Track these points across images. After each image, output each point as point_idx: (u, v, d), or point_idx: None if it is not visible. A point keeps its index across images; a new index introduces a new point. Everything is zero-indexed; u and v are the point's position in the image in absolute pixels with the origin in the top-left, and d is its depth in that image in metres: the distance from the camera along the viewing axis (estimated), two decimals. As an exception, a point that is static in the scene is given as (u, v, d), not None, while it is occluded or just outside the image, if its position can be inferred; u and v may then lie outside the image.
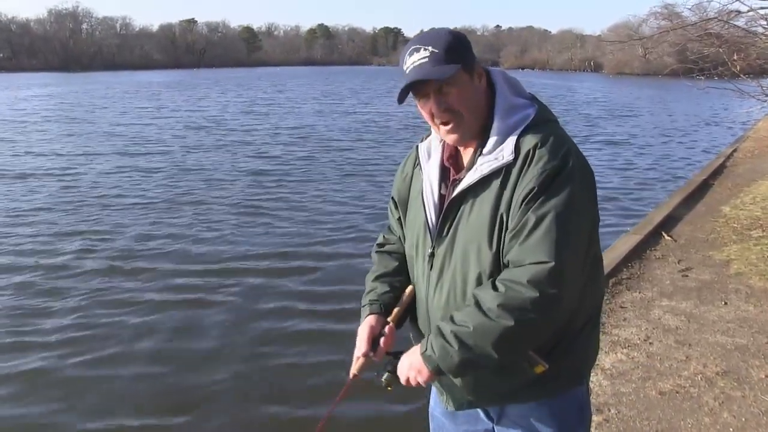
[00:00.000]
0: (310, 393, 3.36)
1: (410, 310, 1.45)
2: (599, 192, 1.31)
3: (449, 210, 1.30)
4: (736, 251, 4.99)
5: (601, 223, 1.30)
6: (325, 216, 7.20)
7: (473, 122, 1.28)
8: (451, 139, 1.31)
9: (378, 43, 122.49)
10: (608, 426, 2.65)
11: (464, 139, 1.30)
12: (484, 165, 1.24)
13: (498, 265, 1.23)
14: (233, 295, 4.80)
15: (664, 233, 5.58)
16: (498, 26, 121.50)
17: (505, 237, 1.21)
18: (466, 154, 1.33)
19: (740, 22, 6.32)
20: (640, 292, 4.20)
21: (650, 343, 3.41)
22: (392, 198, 1.52)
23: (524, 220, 1.17)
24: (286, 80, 45.68)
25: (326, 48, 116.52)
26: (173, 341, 4.06)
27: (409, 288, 1.44)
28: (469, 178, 1.26)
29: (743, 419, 2.65)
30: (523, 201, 1.18)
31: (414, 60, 1.24)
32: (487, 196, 1.24)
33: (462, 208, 1.28)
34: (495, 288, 1.19)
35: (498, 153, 1.24)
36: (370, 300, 1.44)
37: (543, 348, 1.24)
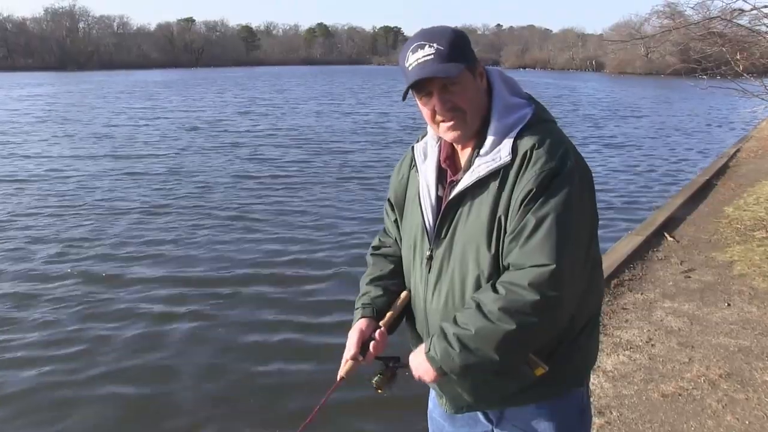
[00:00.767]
0: (302, 407, 3.21)
1: (403, 315, 1.43)
2: (601, 192, 1.30)
3: (447, 212, 1.29)
4: (740, 252, 4.96)
5: (602, 224, 1.28)
6: (321, 222, 6.94)
7: (474, 121, 1.27)
8: (451, 136, 1.29)
9: (377, 42, 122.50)
10: (610, 428, 2.62)
11: (464, 138, 1.29)
12: (482, 166, 1.23)
13: (497, 267, 1.21)
14: (222, 308, 4.55)
15: (666, 234, 5.55)
16: (499, 25, 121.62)
17: (503, 239, 1.20)
18: (463, 154, 1.32)
19: (743, 20, 6.30)
20: (642, 294, 4.17)
21: (652, 345, 3.38)
22: (388, 200, 1.51)
23: (523, 223, 1.16)
24: (285, 80, 45.52)
25: (325, 47, 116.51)
26: (157, 355, 3.85)
27: (404, 293, 1.42)
28: (467, 180, 1.25)
29: (747, 422, 2.63)
30: (521, 203, 1.17)
31: (418, 57, 1.22)
32: (485, 198, 1.23)
33: (460, 210, 1.27)
34: (496, 291, 1.17)
35: (495, 154, 1.22)
36: (362, 303, 1.42)
37: (543, 350, 1.23)
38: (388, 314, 1.39)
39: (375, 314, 1.39)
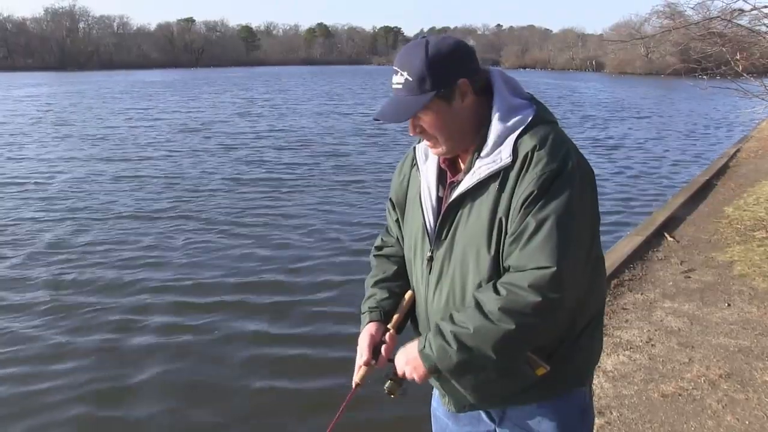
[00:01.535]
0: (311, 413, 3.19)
1: (410, 316, 1.44)
2: (602, 192, 1.29)
3: (447, 213, 1.29)
4: (740, 252, 4.96)
5: (603, 224, 1.28)
6: (318, 227, 6.73)
7: (453, 142, 1.27)
8: (435, 153, 1.32)
9: (378, 42, 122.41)
10: (610, 428, 2.63)
11: (449, 155, 1.31)
12: (482, 168, 1.23)
13: (497, 269, 1.21)
14: (211, 319, 4.37)
15: (666, 234, 5.55)
16: (499, 25, 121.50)
17: (504, 241, 1.20)
18: (464, 156, 1.31)
19: (744, 20, 6.30)
20: (642, 294, 4.17)
21: (652, 345, 3.38)
22: (390, 199, 1.51)
23: (524, 225, 1.16)
24: (285, 80, 45.34)
25: (325, 47, 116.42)
26: (146, 367, 3.70)
27: (409, 293, 1.43)
28: (467, 182, 1.25)
29: (747, 422, 2.63)
30: (522, 205, 1.16)
31: (393, 83, 1.25)
32: (486, 200, 1.22)
33: (460, 211, 1.27)
34: (496, 291, 1.17)
35: (496, 155, 1.22)
36: (369, 307, 1.42)
37: (545, 350, 1.23)
38: (396, 316, 1.39)
39: (383, 317, 1.39)
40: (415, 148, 1.42)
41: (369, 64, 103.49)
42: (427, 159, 1.37)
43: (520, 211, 1.17)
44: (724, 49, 6.39)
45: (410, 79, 1.21)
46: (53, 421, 3.20)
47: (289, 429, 3.18)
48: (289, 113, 20.43)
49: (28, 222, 6.88)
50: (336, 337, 4.09)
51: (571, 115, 20.12)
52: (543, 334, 1.20)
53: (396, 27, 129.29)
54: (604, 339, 3.49)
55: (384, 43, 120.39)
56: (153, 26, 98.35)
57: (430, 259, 1.32)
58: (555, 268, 1.13)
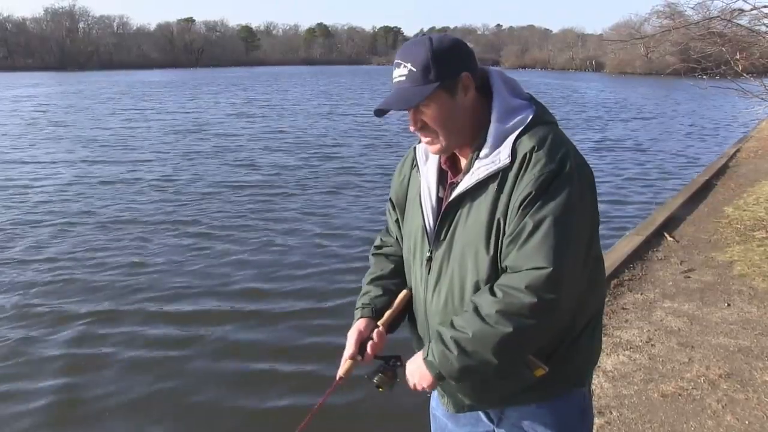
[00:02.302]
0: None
1: (403, 315, 1.44)
2: (601, 192, 1.29)
3: (447, 214, 1.29)
4: (739, 252, 4.96)
5: (602, 224, 1.27)
6: (312, 236, 6.44)
7: (452, 138, 1.27)
8: (432, 150, 1.32)
9: (377, 42, 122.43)
10: (610, 428, 2.62)
11: (446, 152, 1.31)
12: (481, 168, 1.23)
13: (495, 270, 1.21)
14: (197, 329, 4.19)
15: (666, 234, 5.55)
16: (499, 25, 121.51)
17: (502, 241, 1.20)
18: (464, 156, 1.32)
19: (743, 20, 6.30)
20: (641, 294, 4.17)
21: (652, 345, 3.38)
22: (390, 199, 1.51)
23: (522, 225, 1.16)
24: (284, 80, 45.21)
25: (325, 47, 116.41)
26: (129, 382, 3.53)
27: (403, 292, 1.43)
28: (466, 182, 1.25)
29: (747, 422, 2.63)
30: (520, 205, 1.16)
31: (395, 76, 1.24)
32: (485, 200, 1.22)
33: (459, 211, 1.27)
34: (493, 293, 1.17)
35: (495, 156, 1.22)
36: (362, 303, 1.43)
37: (544, 351, 1.23)
38: (387, 314, 1.40)
39: (374, 314, 1.40)
40: (415, 148, 1.42)
41: (369, 64, 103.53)
42: (428, 160, 1.37)
43: (518, 212, 1.17)
44: (724, 49, 6.40)
45: (414, 69, 1.21)
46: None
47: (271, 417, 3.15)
48: (287, 114, 20.35)
49: (8, 226, 6.68)
50: (321, 348, 3.90)
51: (571, 116, 20.11)
52: (541, 335, 1.19)
53: (396, 27, 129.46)
54: (604, 339, 3.51)
55: (384, 43, 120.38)
56: (153, 26, 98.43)
57: (429, 260, 1.32)
58: (551, 268, 1.12)
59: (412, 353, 1.35)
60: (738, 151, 11.32)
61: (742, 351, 3.29)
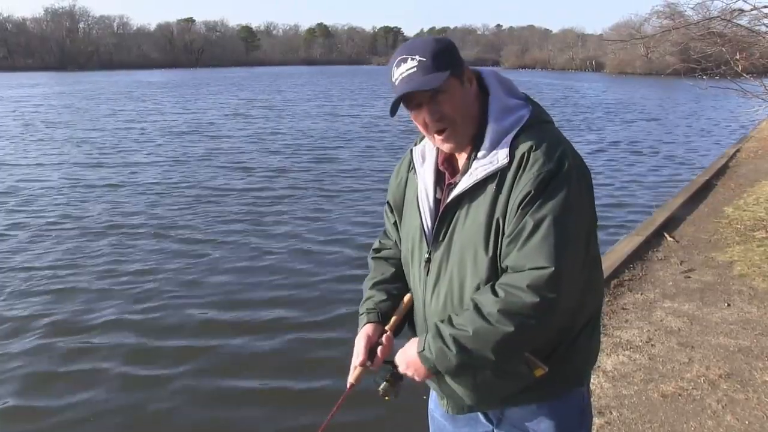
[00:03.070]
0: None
1: (408, 318, 1.44)
2: (601, 193, 1.29)
3: (445, 215, 1.29)
4: (740, 252, 4.96)
5: (602, 225, 1.28)
6: (310, 244, 6.27)
7: (467, 128, 1.26)
8: (446, 147, 1.30)
9: (377, 42, 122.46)
10: (610, 428, 2.62)
11: (460, 147, 1.29)
12: (479, 169, 1.23)
13: (495, 270, 1.21)
14: (187, 345, 4.03)
15: (666, 234, 5.55)
16: (499, 25, 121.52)
17: (501, 241, 1.20)
18: (461, 157, 1.32)
19: (743, 20, 6.29)
20: (642, 294, 4.17)
21: (652, 345, 3.38)
22: (387, 202, 1.51)
23: (521, 225, 1.16)
24: (284, 80, 45.06)
25: (325, 47, 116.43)
26: (115, 395, 3.41)
27: (407, 296, 1.43)
28: (464, 183, 1.25)
29: (747, 422, 2.63)
30: (519, 205, 1.17)
31: (402, 71, 1.23)
32: (483, 201, 1.23)
33: (458, 212, 1.27)
34: (495, 293, 1.17)
35: (492, 156, 1.22)
36: (367, 309, 1.43)
37: (543, 350, 1.24)
38: (393, 318, 1.39)
39: (380, 319, 1.40)
40: (411, 150, 1.42)
41: (369, 64, 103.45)
42: (425, 161, 1.37)
43: (517, 212, 1.17)
44: (723, 49, 6.39)
45: (424, 59, 1.21)
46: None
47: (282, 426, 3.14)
48: (287, 115, 20.26)
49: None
50: (319, 359, 3.83)
51: (571, 116, 20.11)
52: (542, 334, 1.20)
53: (396, 27, 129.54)
54: (604, 339, 3.50)
55: (384, 43, 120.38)
56: (153, 26, 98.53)
57: (428, 261, 1.32)
58: (553, 268, 1.13)
59: None
60: (738, 151, 11.32)
61: (742, 351, 3.29)
